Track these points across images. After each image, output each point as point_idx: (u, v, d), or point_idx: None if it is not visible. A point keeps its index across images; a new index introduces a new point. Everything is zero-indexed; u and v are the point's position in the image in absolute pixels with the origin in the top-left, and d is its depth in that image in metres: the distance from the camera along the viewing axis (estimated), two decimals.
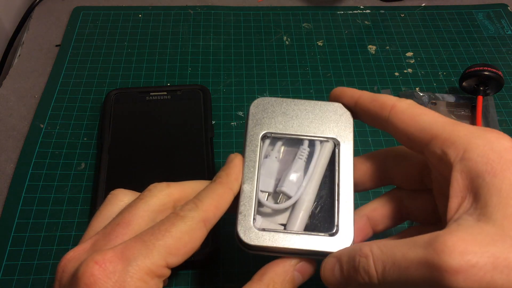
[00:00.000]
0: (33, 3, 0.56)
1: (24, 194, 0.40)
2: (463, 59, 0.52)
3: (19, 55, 0.52)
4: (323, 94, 0.48)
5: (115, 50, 0.52)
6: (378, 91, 0.49)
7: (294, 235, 0.26)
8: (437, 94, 0.47)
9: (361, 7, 0.58)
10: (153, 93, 0.45)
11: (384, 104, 0.27)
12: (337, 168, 0.28)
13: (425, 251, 0.20)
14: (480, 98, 0.44)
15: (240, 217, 0.26)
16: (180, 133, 0.42)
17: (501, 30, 0.56)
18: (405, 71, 0.51)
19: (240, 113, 0.46)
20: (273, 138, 0.29)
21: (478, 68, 0.44)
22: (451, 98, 0.47)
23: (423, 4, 0.59)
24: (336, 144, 0.29)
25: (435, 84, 0.50)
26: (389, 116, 0.26)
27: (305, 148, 0.29)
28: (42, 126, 0.44)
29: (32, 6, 0.56)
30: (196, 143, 0.41)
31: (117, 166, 0.40)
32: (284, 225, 0.28)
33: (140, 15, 0.56)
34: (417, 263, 0.20)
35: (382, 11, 0.58)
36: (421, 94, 0.47)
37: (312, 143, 0.29)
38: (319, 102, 0.30)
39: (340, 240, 0.26)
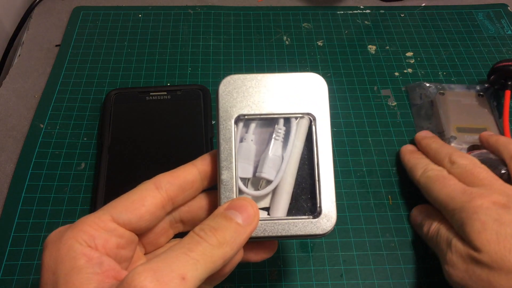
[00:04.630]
0: (33, 3, 0.56)
1: (24, 194, 0.40)
2: (463, 59, 0.52)
3: (19, 55, 0.52)
4: None
5: (115, 50, 0.52)
6: (378, 91, 0.49)
7: (279, 222, 0.26)
8: (444, 85, 0.47)
9: (361, 7, 0.58)
10: (153, 93, 0.45)
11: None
12: (315, 146, 0.28)
13: None
14: (508, 93, 0.45)
15: None
16: (180, 133, 0.42)
17: (501, 30, 0.56)
18: (405, 71, 0.51)
19: None
20: (246, 120, 0.28)
21: (507, 63, 0.46)
22: (458, 88, 0.47)
23: (423, 4, 0.59)
24: (312, 120, 0.28)
25: None
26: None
27: (280, 128, 0.28)
28: (42, 126, 0.44)
29: (32, 6, 0.56)
30: (196, 143, 0.41)
31: (117, 166, 0.40)
32: (267, 209, 0.28)
33: (140, 15, 0.56)
34: None
35: (382, 11, 0.58)
36: (428, 85, 0.47)
37: (287, 121, 0.28)
38: (292, 74, 0.28)
39: (323, 222, 0.27)
